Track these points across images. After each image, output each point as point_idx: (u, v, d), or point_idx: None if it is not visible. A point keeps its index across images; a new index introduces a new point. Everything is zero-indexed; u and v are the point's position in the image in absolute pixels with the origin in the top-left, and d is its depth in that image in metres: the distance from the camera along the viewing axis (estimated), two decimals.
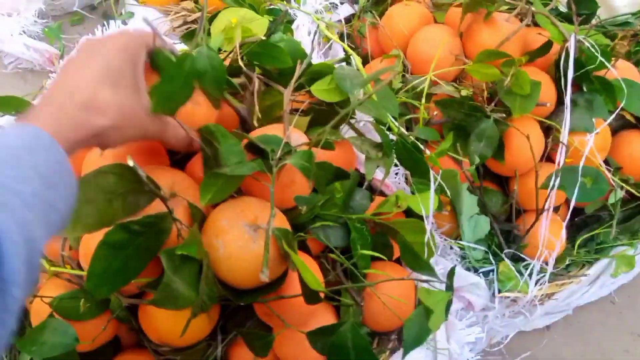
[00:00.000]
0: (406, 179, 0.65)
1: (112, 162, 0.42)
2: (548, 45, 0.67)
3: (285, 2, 0.76)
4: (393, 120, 0.58)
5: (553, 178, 0.63)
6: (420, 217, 0.56)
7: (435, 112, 0.66)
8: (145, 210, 0.43)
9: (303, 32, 0.72)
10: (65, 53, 0.87)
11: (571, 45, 0.66)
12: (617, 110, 0.67)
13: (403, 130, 0.64)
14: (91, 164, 0.49)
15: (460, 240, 0.65)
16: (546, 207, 0.64)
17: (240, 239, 0.45)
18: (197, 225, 0.46)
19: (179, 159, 0.59)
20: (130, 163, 0.39)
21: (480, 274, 0.66)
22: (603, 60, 0.66)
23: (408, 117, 0.68)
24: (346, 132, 0.63)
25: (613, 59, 0.73)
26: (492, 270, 0.66)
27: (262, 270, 0.41)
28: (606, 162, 0.72)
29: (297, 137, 0.53)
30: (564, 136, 0.65)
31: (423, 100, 0.64)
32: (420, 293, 0.48)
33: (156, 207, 0.43)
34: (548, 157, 0.70)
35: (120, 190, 0.41)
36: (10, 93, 0.84)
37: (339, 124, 0.55)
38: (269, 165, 0.46)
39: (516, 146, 0.66)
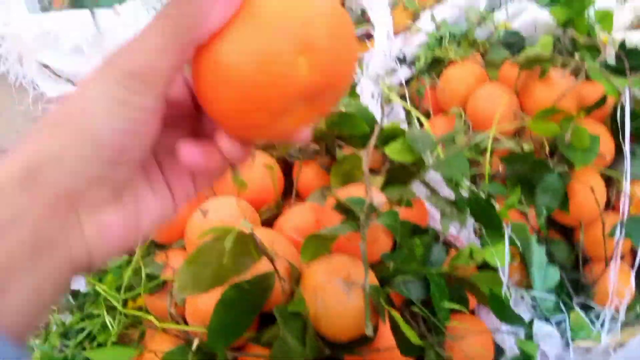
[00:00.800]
0: (475, 231, 0.68)
1: (218, 224, 0.47)
2: (603, 100, 0.70)
3: None
4: (464, 178, 0.62)
5: (618, 228, 0.65)
6: (494, 269, 0.59)
7: (499, 167, 0.70)
8: (252, 269, 0.47)
9: (366, 95, 0.77)
10: None
11: (626, 98, 0.69)
12: None
13: (472, 186, 0.67)
14: (196, 226, 0.54)
15: (531, 290, 0.67)
16: (614, 256, 0.66)
17: (337, 294, 0.48)
18: (296, 283, 0.50)
19: (266, 219, 0.64)
20: (247, 229, 0.43)
21: (552, 324, 0.67)
22: None
23: (473, 172, 0.71)
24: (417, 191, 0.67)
25: None
26: (564, 320, 0.68)
27: (365, 324, 0.44)
28: None
29: (378, 197, 0.57)
30: (626, 186, 0.68)
31: (488, 156, 0.68)
32: (520, 343, 0.50)
33: (260, 266, 0.48)
34: (611, 205, 0.72)
35: (233, 252, 0.46)
36: None
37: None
38: (356, 225, 0.50)
39: (580, 197, 0.69)
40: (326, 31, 0.25)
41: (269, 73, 0.24)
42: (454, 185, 0.58)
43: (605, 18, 0.83)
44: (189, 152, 0.28)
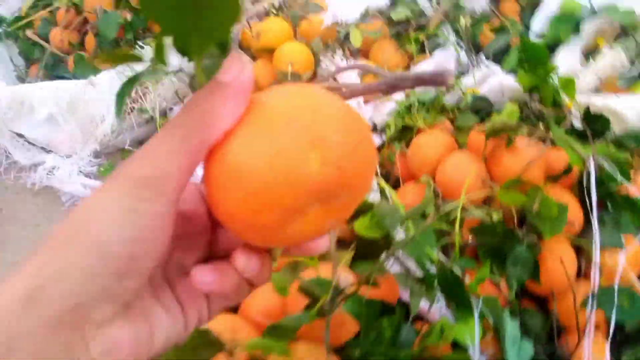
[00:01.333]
0: (448, 303, 0.68)
1: None
2: (569, 169, 0.71)
3: None
4: (433, 252, 0.61)
5: (590, 301, 0.65)
6: (466, 346, 0.58)
7: (469, 238, 0.70)
8: None
9: None
10: None
11: (590, 167, 0.70)
12: None
13: (443, 258, 0.67)
14: None
15: None
16: (587, 328, 0.66)
17: None
18: None
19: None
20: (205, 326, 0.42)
21: None
22: (623, 179, 0.70)
23: (444, 242, 0.71)
24: (389, 264, 0.67)
25: (634, 171, 0.77)
26: None
27: None
28: None
29: (345, 277, 0.56)
30: (596, 256, 0.68)
31: (457, 227, 0.68)
32: None
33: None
34: (582, 274, 0.72)
35: (191, 345, 0.44)
36: None
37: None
38: (321, 311, 0.49)
39: (550, 267, 0.69)
40: (337, 126, 0.25)
41: (279, 169, 0.24)
42: (421, 262, 0.57)
43: (568, 85, 0.85)
44: (203, 275, 0.27)
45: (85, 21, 1.03)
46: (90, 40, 1.03)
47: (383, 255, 0.59)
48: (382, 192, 0.79)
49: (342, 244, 0.66)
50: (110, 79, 0.94)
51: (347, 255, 0.63)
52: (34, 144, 0.98)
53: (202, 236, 0.30)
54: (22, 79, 1.07)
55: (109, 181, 0.24)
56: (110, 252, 0.23)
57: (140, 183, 0.24)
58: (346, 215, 0.28)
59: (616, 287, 0.66)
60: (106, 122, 0.94)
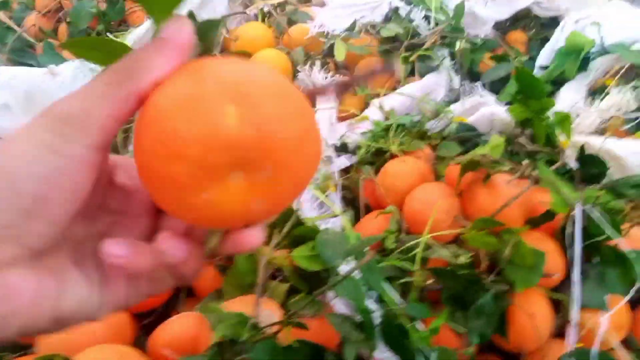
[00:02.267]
0: None
1: None
2: (550, 214, 0.63)
3: None
4: (387, 289, 0.53)
5: None
6: None
7: (429, 280, 0.61)
8: None
9: None
10: None
11: (577, 216, 0.62)
12: (636, 287, 0.61)
13: (398, 298, 0.58)
14: None
15: None
16: None
17: None
18: None
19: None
20: None
21: None
22: (613, 231, 0.62)
23: (402, 281, 0.63)
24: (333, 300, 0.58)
25: (628, 224, 0.68)
26: None
27: None
28: (626, 341, 0.64)
29: (268, 315, 0.48)
30: (574, 316, 0.59)
31: (416, 266, 0.60)
32: None
33: None
34: (559, 332, 0.63)
35: None
36: None
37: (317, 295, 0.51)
38: (225, 356, 0.41)
39: (521, 323, 0.60)
40: (267, 90, 0.23)
41: (191, 114, 0.22)
42: (361, 305, 0.49)
43: (564, 121, 0.77)
44: (113, 247, 0.25)
45: (61, 8, 0.98)
46: (62, 29, 0.97)
47: (318, 291, 0.51)
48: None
49: (279, 274, 0.58)
50: (74, 69, 0.88)
51: (283, 287, 0.54)
52: None
53: (142, 219, 0.29)
54: None
55: (34, 117, 0.24)
56: (18, 187, 0.22)
57: (62, 119, 0.23)
58: (277, 201, 0.25)
59: (595, 352, 0.57)
60: None
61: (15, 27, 1.00)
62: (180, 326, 0.50)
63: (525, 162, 0.66)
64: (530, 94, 0.76)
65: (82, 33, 0.93)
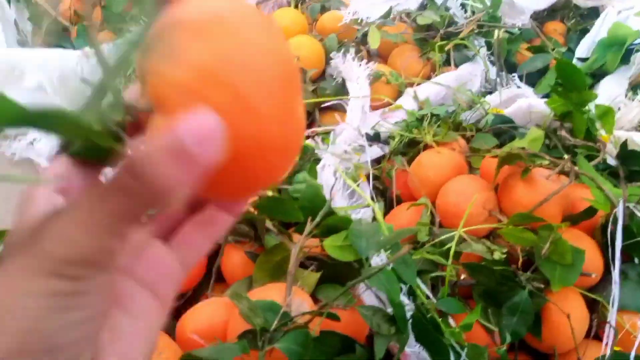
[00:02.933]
0: None
1: None
2: (591, 211, 0.61)
3: (314, 141, 0.74)
4: (420, 284, 0.52)
5: None
6: None
7: (462, 275, 0.60)
8: None
9: (328, 173, 0.68)
10: None
11: (619, 212, 0.59)
12: None
13: (429, 292, 0.57)
14: None
15: None
16: None
17: None
18: None
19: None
20: None
21: None
22: None
23: (433, 275, 0.62)
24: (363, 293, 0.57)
25: None
26: None
27: None
28: None
29: (299, 304, 0.48)
30: (612, 316, 0.57)
31: (450, 261, 0.58)
32: None
33: None
34: (593, 334, 0.61)
35: None
36: None
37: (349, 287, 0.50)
38: (255, 344, 0.40)
39: (556, 323, 0.58)
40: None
41: None
42: (394, 298, 0.48)
43: (606, 115, 0.74)
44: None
45: None
46: (97, 13, 0.98)
47: (352, 282, 0.50)
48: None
49: (313, 260, 0.57)
50: (107, 52, 0.88)
51: (312, 277, 0.54)
52: None
53: None
54: (23, 45, 1.03)
55: (24, 258, 0.20)
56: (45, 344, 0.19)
57: (66, 264, 0.19)
58: (263, 169, 0.22)
59: (632, 356, 0.55)
60: None
61: (51, 11, 1.01)
62: (210, 312, 0.50)
63: (566, 156, 0.64)
64: (571, 85, 0.74)
65: (117, 17, 0.93)
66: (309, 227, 0.52)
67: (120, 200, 0.20)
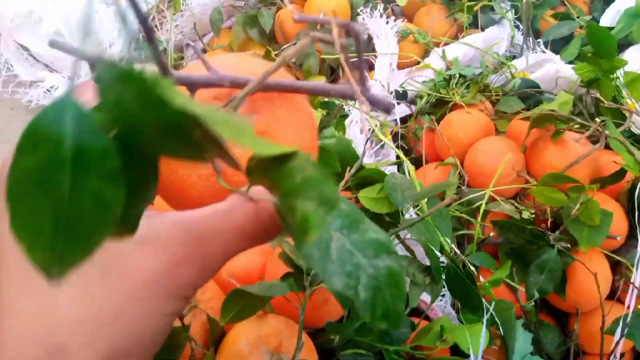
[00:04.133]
0: (453, 302, 0.59)
1: None
2: (621, 173, 0.61)
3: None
4: (447, 241, 0.52)
5: (620, 325, 0.55)
6: (467, 354, 0.49)
7: (491, 233, 0.60)
8: None
9: (355, 130, 0.68)
10: None
11: None
12: None
13: (455, 249, 0.57)
14: None
15: None
16: (612, 357, 0.56)
17: None
18: (214, 346, 0.40)
19: None
20: None
21: None
22: None
23: (461, 232, 0.62)
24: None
25: None
26: None
27: None
28: None
29: None
30: (636, 277, 0.58)
31: (479, 219, 0.58)
32: None
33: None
34: (616, 296, 0.62)
35: None
36: None
37: None
38: (302, 284, 0.40)
39: (580, 282, 0.59)
40: None
41: None
42: (429, 249, 0.48)
43: (634, 82, 0.74)
44: None
45: None
46: None
47: (393, 231, 0.50)
48: (399, 167, 0.70)
49: None
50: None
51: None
52: (38, 60, 0.91)
53: None
54: None
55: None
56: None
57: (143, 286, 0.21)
58: None
59: None
60: (115, 48, 0.86)
61: None
62: (246, 257, 0.50)
63: (597, 120, 0.64)
64: (602, 51, 0.73)
65: None
66: (345, 179, 0.52)
67: (249, 244, 0.22)
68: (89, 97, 0.23)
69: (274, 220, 0.22)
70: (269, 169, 0.18)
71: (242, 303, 0.39)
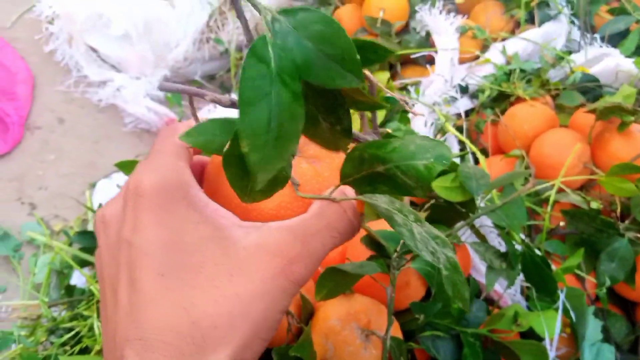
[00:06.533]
0: (522, 290, 0.60)
1: None
2: None
3: (404, 92, 0.75)
4: (519, 229, 0.53)
5: None
6: (539, 337, 0.50)
7: (561, 223, 0.61)
8: None
9: (419, 123, 0.70)
10: (184, 117, 0.90)
11: None
12: None
13: (526, 239, 0.59)
14: None
15: None
16: None
17: (352, 344, 0.41)
18: (307, 319, 0.43)
19: None
20: None
21: None
22: None
23: (529, 223, 0.63)
24: (463, 235, 0.59)
25: None
26: None
27: None
28: None
29: None
30: None
31: (549, 209, 0.59)
32: None
33: None
34: None
35: None
36: (126, 150, 0.89)
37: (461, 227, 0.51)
38: (388, 265, 0.42)
39: None
40: None
41: None
42: (506, 235, 0.50)
43: None
44: None
45: None
46: None
47: (460, 223, 0.52)
48: (462, 158, 0.71)
49: (413, 205, 0.59)
50: (191, 1, 0.90)
51: (421, 216, 0.55)
52: (106, 61, 0.95)
53: None
54: None
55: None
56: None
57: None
58: None
59: None
60: (180, 48, 0.89)
61: None
62: None
63: None
64: None
65: None
66: None
67: (339, 240, 0.26)
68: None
69: (357, 215, 0.26)
70: (376, 155, 0.24)
71: (335, 281, 0.41)
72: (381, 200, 0.26)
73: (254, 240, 0.24)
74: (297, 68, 0.19)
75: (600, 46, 0.89)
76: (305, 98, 0.19)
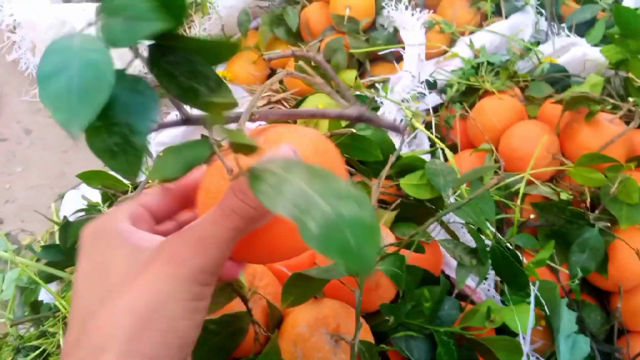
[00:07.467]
0: (496, 285, 0.60)
1: None
2: None
3: (372, 90, 0.75)
4: (488, 224, 0.53)
5: None
6: (514, 333, 0.50)
7: (531, 215, 0.61)
8: (224, 309, 0.39)
9: (387, 120, 0.69)
10: None
11: None
12: None
13: (497, 233, 0.58)
14: None
15: None
16: None
17: (321, 350, 0.40)
18: (275, 327, 0.42)
19: None
20: None
21: None
22: None
23: (499, 216, 0.63)
24: (433, 231, 0.59)
25: None
26: None
27: None
28: None
29: (385, 237, 0.49)
30: None
31: (519, 202, 0.59)
32: None
33: (233, 306, 0.40)
34: None
35: None
36: (96, 158, 0.87)
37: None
38: None
39: (622, 259, 0.59)
40: None
41: None
42: (475, 231, 0.49)
43: None
44: None
45: None
46: None
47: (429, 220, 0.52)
48: (432, 155, 0.71)
49: (383, 204, 0.59)
50: None
51: (390, 215, 0.55)
52: None
53: None
54: (69, 0, 1.03)
55: (159, 268, 0.24)
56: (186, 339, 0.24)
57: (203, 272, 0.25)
58: None
59: None
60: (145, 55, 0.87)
61: None
62: None
63: (631, 99, 0.64)
64: (630, 32, 0.73)
65: None
66: (388, 166, 0.53)
67: (238, 220, 0.24)
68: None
69: (243, 190, 0.24)
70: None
71: (302, 286, 0.41)
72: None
73: (155, 249, 0.25)
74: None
75: (568, 36, 0.89)
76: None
